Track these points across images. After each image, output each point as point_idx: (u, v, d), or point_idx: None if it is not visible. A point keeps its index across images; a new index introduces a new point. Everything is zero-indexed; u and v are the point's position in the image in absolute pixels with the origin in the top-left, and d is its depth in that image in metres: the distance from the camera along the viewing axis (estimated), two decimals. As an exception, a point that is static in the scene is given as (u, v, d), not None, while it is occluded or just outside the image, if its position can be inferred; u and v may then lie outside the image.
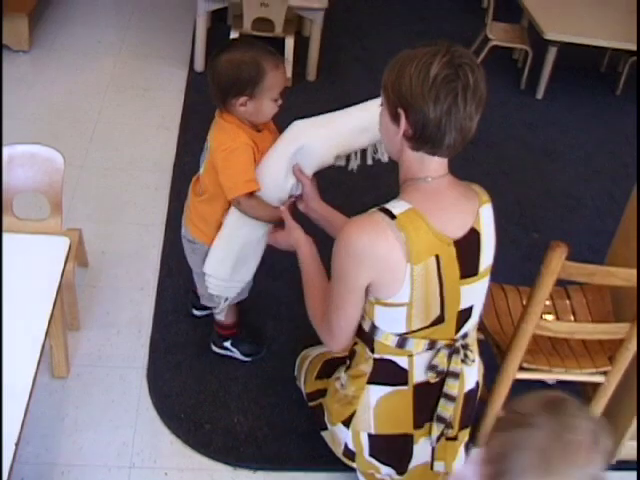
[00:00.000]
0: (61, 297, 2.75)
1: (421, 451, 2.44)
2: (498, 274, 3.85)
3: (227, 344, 3.20)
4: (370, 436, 2.42)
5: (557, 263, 2.36)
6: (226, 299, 2.92)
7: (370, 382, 2.37)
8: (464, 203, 2.21)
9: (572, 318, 2.91)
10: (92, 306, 3.35)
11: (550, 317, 2.86)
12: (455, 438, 2.47)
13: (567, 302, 2.97)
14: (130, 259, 3.63)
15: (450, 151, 2.12)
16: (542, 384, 3.15)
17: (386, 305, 2.18)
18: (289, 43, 5.21)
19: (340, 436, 2.49)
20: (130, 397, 2.99)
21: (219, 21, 5.74)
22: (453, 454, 2.52)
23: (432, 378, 2.32)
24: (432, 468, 2.48)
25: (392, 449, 2.45)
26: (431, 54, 2.02)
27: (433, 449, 2.45)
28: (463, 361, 2.34)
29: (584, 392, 3.03)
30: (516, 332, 2.57)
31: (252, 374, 3.15)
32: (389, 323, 2.23)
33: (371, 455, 2.46)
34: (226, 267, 2.78)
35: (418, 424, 2.39)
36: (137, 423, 2.90)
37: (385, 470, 2.49)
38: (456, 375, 2.34)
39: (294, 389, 3.07)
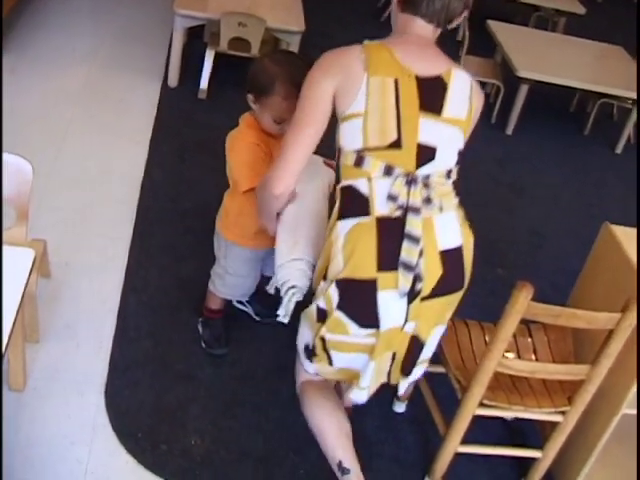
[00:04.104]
0: (22, 308, 2.71)
1: (389, 306, 2.41)
2: (461, 308, 3.87)
3: (199, 323, 3.38)
4: (338, 283, 2.43)
5: (523, 303, 2.38)
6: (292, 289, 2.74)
7: (339, 218, 2.44)
8: (438, 59, 2.53)
9: (533, 357, 2.93)
10: (52, 318, 3.30)
11: (511, 355, 2.88)
12: (430, 297, 2.44)
13: (529, 340, 2.99)
14: (94, 272, 3.60)
15: (430, 16, 2.47)
16: (500, 420, 3.17)
17: (346, 119, 2.40)
18: (264, 64, 5.22)
19: (303, 334, 2.66)
20: (87, 413, 2.95)
21: (196, 37, 5.74)
22: (427, 316, 2.49)
23: (393, 211, 2.37)
24: (402, 328, 2.47)
25: (358, 298, 2.44)
26: None
27: (408, 310, 2.42)
28: (426, 201, 2.40)
29: (542, 430, 3.05)
30: (478, 369, 2.58)
31: (212, 396, 3.13)
32: (349, 139, 2.42)
33: (339, 307, 2.45)
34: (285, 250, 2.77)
35: (382, 267, 2.38)
36: (92, 440, 2.86)
37: (353, 328, 2.46)
38: (416, 210, 2.38)
39: (253, 413, 3.07)
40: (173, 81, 5.34)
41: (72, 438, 2.85)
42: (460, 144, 2.53)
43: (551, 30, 7.52)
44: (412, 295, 2.41)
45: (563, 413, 2.79)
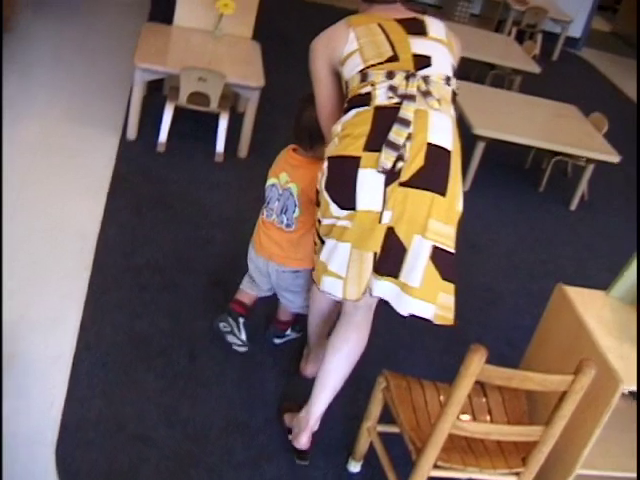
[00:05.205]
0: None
1: (366, 185, 2.67)
2: (416, 365, 3.89)
3: (288, 332, 3.80)
4: (329, 159, 2.78)
5: (477, 366, 2.39)
6: None
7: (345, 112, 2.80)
8: (408, 12, 2.95)
9: (488, 417, 2.93)
10: (3, 374, 3.24)
11: (466, 417, 2.88)
12: (407, 185, 2.66)
13: (483, 400, 2.99)
14: (47, 328, 3.55)
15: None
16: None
17: (345, 59, 2.83)
18: (223, 119, 5.25)
19: None
20: (36, 474, 2.89)
21: (155, 90, 5.76)
22: (404, 209, 2.68)
23: (391, 101, 2.69)
24: (380, 221, 2.70)
25: (340, 175, 2.73)
26: None
27: (385, 194, 2.66)
28: (425, 94, 2.70)
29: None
30: (433, 431, 2.58)
31: (165, 456, 3.08)
32: (351, 68, 2.81)
33: (325, 187, 2.77)
34: None
35: (368, 147, 2.67)
36: (42, 503, 2.80)
37: (334, 209, 2.74)
38: (412, 97, 2.69)
39: (207, 474, 3.03)
40: (132, 134, 5.33)
41: (21, 500, 2.80)
42: (451, 59, 2.89)
43: (507, 88, 7.65)
44: (391, 176, 2.65)
45: (517, 474, 2.79)
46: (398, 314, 2.82)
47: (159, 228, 4.44)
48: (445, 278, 2.81)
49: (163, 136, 5.26)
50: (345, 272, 2.79)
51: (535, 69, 7.49)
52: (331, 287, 2.85)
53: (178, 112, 5.26)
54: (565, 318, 3.02)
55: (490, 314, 4.51)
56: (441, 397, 2.95)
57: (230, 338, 3.62)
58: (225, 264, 4.28)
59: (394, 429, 2.96)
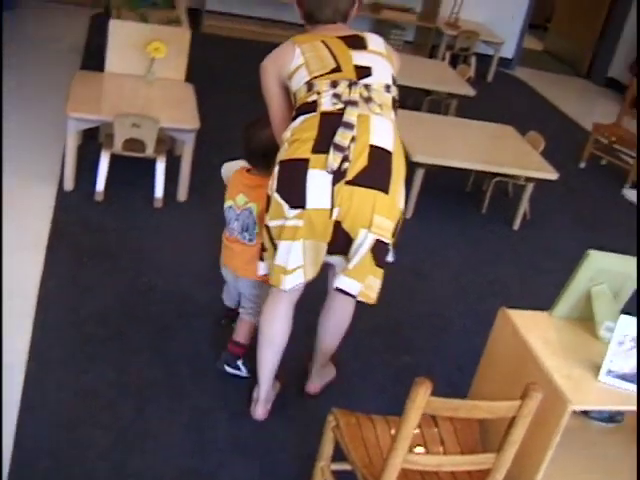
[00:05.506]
0: None
1: (315, 184, 2.96)
2: (369, 397, 3.87)
3: (239, 363, 3.79)
4: (279, 164, 3.05)
5: (422, 399, 2.37)
6: None
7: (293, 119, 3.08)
8: (350, 30, 3.24)
9: (441, 449, 2.91)
10: (-55, 443, 3.15)
11: (420, 449, 2.85)
12: (352, 183, 2.96)
13: (435, 430, 2.97)
14: (-11, 391, 3.47)
15: (325, 20, 3.23)
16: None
17: (292, 73, 3.11)
18: (160, 163, 5.20)
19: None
20: None
21: (91, 138, 5.70)
22: (350, 205, 2.98)
23: (336, 107, 2.98)
24: (330, 216, 3.00)
25: (291, 177, 3.01)
26: None
27: (333, 192, 2.95)
28: (367, 100, 3.01)
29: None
30: (384, 467, 2.54)
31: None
32: (298, 80, 3.09)
33: (277, 190, 3.04)
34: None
35: (316, 149, 2.95)
36: None
37: (286, 210, 3.01)
38: (355, 103, 2.99)
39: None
40: (69, 184, 5.25)
41: None
42: (390, 70, 3.20)
43: (444, 113, 7.70)
44: (338, 175, 2.95)
45: (473, 504, 2.78)
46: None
47: (101, 278, 4.38)
48: (378, 265, 3.13)
49: (100, 185, 5.19)
50: (302, 261, 3.10)
51: (470, 92, 7.55)
52: (294, 280, 3.15)
53: (115, 159, 5.20)
54: (509, 341, 3.02)
55: (440, 339, 4.51)
56: (392, 431, 2.92)
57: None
58: (169, 309, 4.22)
59: (348, 467, 2.93)
